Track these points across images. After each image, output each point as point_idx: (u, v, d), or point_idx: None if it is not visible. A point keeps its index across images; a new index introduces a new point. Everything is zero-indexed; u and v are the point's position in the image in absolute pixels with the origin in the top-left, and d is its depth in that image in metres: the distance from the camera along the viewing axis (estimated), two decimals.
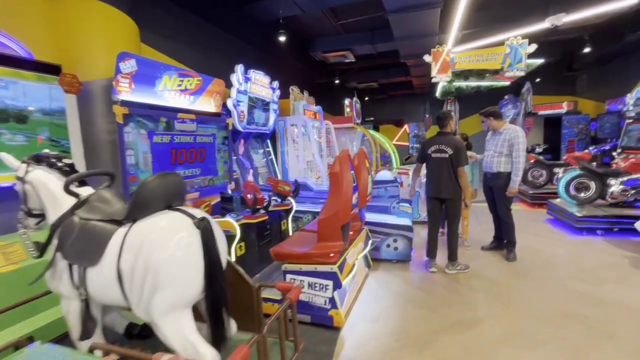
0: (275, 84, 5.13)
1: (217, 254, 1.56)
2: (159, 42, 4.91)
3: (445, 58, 7.58)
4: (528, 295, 3.13)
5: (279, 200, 3.81)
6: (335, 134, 7.08)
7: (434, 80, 8.10)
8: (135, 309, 1.52)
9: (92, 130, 3.20)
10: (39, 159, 1.81)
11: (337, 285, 2.63)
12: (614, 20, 7.41)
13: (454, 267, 3.68)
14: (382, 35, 8.85)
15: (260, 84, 4.75)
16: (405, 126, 15.18)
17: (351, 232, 3.03)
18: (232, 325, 1.80)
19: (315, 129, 5.93)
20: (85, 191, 1.81)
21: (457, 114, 9.63)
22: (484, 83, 8.22)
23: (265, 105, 4.95)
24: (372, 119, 14.68)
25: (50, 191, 1.74)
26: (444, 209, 3.77)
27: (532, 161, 7.08)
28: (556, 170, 6.73)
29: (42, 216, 1.84)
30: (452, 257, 3.70)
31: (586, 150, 7.36)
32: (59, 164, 1.81)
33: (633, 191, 4.82)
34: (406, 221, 4.03)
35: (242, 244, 3.11)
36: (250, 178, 4.60)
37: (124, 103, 2.84)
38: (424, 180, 3.95)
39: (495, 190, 4.01)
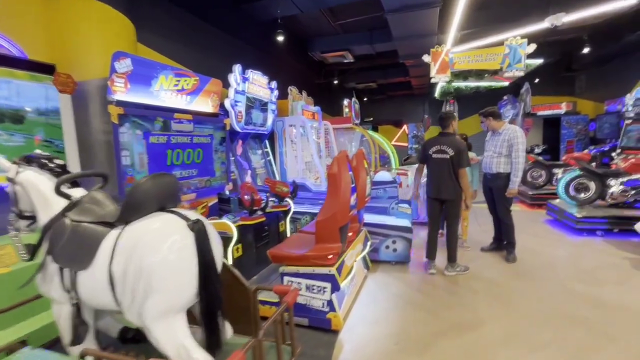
0: (274, 84, 5.10)
1: (211, 256, 1.52)
2: (157, 42, 4.87)
3: (444, 58, 7.57)
4: (528, 296, 3.11)
5: (277, 201, 3.78)
6: (334, 134, 7.06)
7: (432, 80, 8.09)
8: (127, 313, 1.48)
9: (88, 130, 3.16)
10: (30, 160, 1.77)
11: (335, 287, 2.60)
12: (613, 21, 7.41)
13: (454, 269, 3.65)
14: (380, 35, 8.83)
15: (258, 84, 4.72)
16: (404, 127, 15.16)
17: (350, 234, 3.00)
18: (228, 329, 1.77)
19: (313, 129, 5.90)
20: (77, 193, 1.77)
21: (456, 115, 9.62)
22: (483, 83, 8.22)
23: (263, 106, 4.92)
24: (371, 119, 14.67)
25: (41, 192, 1.70)
26: (444, 209, 3.75)
27: (531, 162, 7.07)
28: (555, 170, 6.72)
29: (33, 218, 1.80)
30: (452, 258, 3.67)
31: (585, 151, 7.36)
32: (50, 165, 1.77)
33: (633, 192, 4.80)
34: (405, 222, 4.00)
35: (240, 245, 3.07)
36: (248, 179, 4.57)
37: (120, 103, 2.81)
38: (423, 180, 3.92)
39: (495, 191, 3.98)
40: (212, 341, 1.58)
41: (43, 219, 1.70)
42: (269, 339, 1.86)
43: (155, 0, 4.96)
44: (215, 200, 3.95)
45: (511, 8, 7.33)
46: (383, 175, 4.60)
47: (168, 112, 3.25)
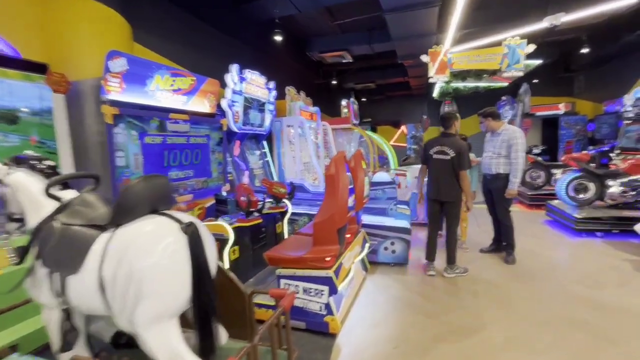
0: (272, 84, 5.06)
1: (205, 260, 1.48)
2: (153, 41, 4.84)
3: (443, 58, 7.54)
4: (528, 298, 3.08)
5: (275, 202, 3.74)
6: (333, 135, 7.02)
7: (431, 80, 8.07)
8: (117, 319, 1.44)
9: (82, 131, 3.12)
10: (20, 161, 1.73)
11: (333, 290, 2.56)
12: (612, 21, 7.40)
13: (453, 271, 3.62)
14: (379, 35, 8.81)
15: (256, 84, 4.68)
16: (403, 127, 15.12)
17: (348, 235, 2.96)
18: (222, 334, 1.72)
19: (312, 130, 5.86)
20: (68, 195, 1.73)
21: (458, 115, 9.60)
22: (482, 84, 8.20)
23: (260, 106, 4.87)
24: (369, 119, 14.64)
25: (30, 194, 1.66)
26: (443, 210, 3.71)
27: (530, 162, 7.05)
28: (554, 171, 6.70)
29: (23, 220, 1.76)
30: (451, 260, 3.64)
31: (584, 151, 7.34)
32: (40, 166, 1.73)
33: (633, 192, 4.77)
34: (404, 223, 3.96)
35: (236, 247, 3.03)
36: (245, 180, 4.53)
37: (114, 103, 2.76)
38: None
39: (494, 191, 3.95)
40: (205, 347, 1.54)
41: (32, 221, 1.65)
42: (264, 343, 1.82)
43: None
44: (213, 202, 3.90)
45: (510, 8, 7.32)
46: (382, 176, 4.56)
47: (164, 112, 3.20)
